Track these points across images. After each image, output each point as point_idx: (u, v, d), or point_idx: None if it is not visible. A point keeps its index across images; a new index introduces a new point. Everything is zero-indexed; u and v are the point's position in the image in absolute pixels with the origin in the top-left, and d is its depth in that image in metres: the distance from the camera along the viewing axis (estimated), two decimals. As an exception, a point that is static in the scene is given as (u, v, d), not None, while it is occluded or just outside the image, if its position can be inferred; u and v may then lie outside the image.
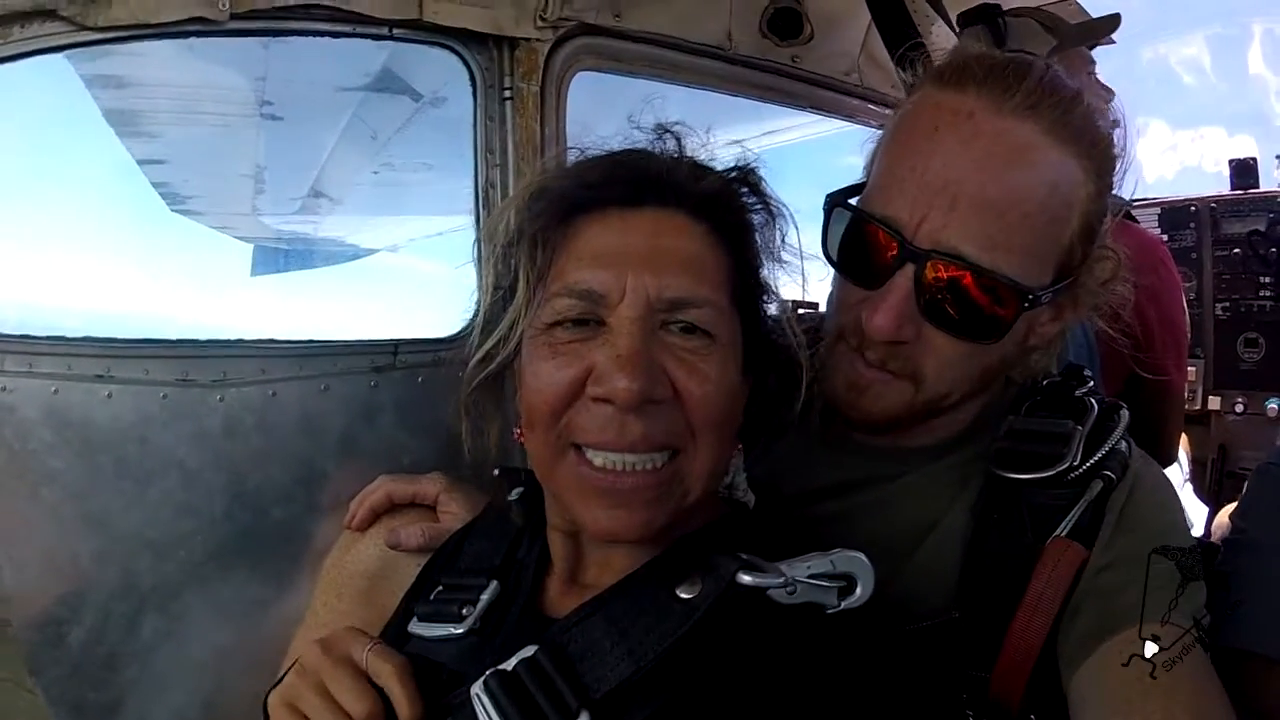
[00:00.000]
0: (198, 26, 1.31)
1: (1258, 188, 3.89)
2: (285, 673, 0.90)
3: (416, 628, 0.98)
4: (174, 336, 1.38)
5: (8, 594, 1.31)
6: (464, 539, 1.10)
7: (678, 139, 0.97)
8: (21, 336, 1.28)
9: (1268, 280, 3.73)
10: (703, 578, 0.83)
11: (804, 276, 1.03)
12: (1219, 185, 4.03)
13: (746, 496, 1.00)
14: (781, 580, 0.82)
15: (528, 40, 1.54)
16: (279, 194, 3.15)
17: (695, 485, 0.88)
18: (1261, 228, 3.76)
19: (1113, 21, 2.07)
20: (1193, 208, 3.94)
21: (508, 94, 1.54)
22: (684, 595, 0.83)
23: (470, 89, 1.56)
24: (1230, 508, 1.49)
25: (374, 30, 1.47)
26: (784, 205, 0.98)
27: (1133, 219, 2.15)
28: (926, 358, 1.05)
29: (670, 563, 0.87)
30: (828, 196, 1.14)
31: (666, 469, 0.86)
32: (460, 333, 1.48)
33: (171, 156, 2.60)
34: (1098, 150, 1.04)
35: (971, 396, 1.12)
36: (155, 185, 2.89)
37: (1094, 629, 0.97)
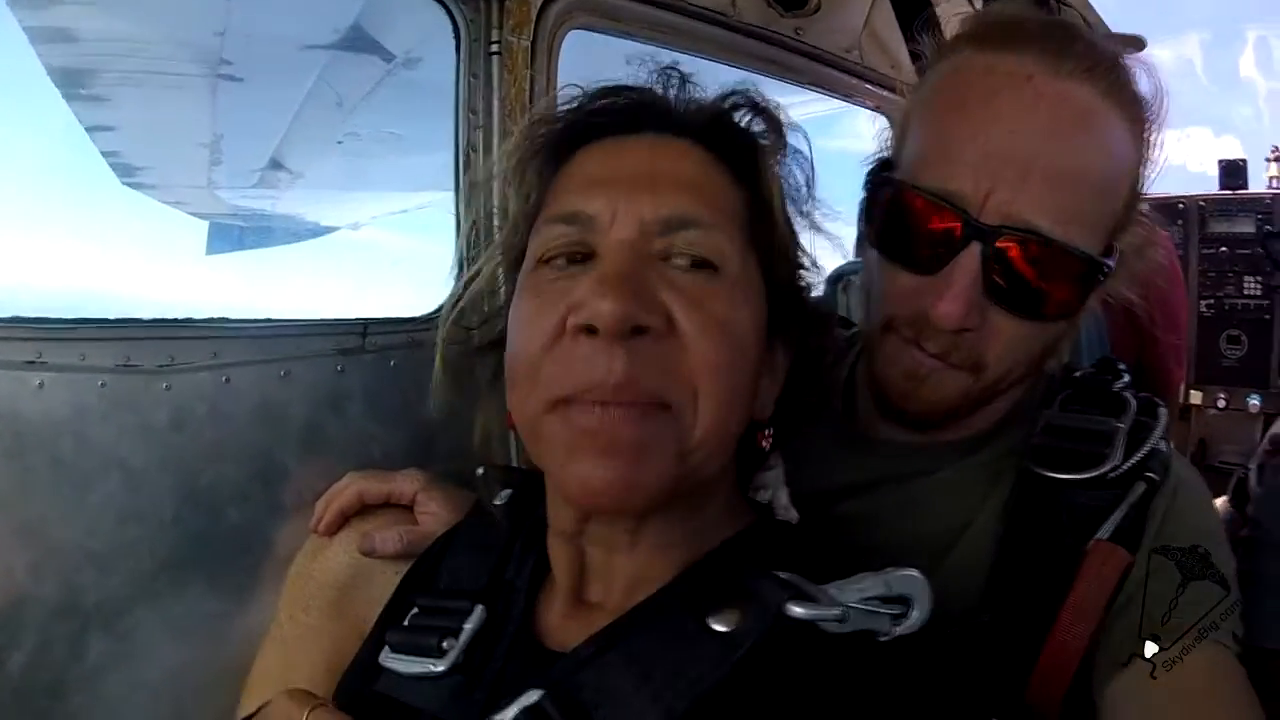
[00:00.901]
0: None
1: (1246, 189, 3.97)
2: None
3: (389, 660, 0.83)
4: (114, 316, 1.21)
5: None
6: (445, 551, 0.96)
7: (682, 77, 0.86)
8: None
9: (1252, 279, 3.82)
10: (743, 606, 0.70)
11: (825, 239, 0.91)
12: (1204, 185, 4.11)
13: (789, 514, 0.87)
14: (837, 612, 0.69)
15: (521, -10, 1.39)
16: (237, 165, 2.98)
17: (695, 450, 0.74)
18: (1250, 229, 3.83)
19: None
20: (1181, 205, 4.01)
21: (495, 48, 1.39)
22: (719, 628, 0.69)
23: (454, 43, 1.41)
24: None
25: None
26: (802, 143, 0.87)
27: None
28: (991, 344, 0.97)
29: (698, 584, 0.74)
30: (869, 173, 1.04)
31: (662, 420, 0.72)
32: (436, 311, 1.33)
33: (121, 121, 2.41)
34: (1143, 114, 1.00)
35: (1020, 382, 1.05)
36: (104, 154, 2.71)
37: (1134, 637, 0.92)
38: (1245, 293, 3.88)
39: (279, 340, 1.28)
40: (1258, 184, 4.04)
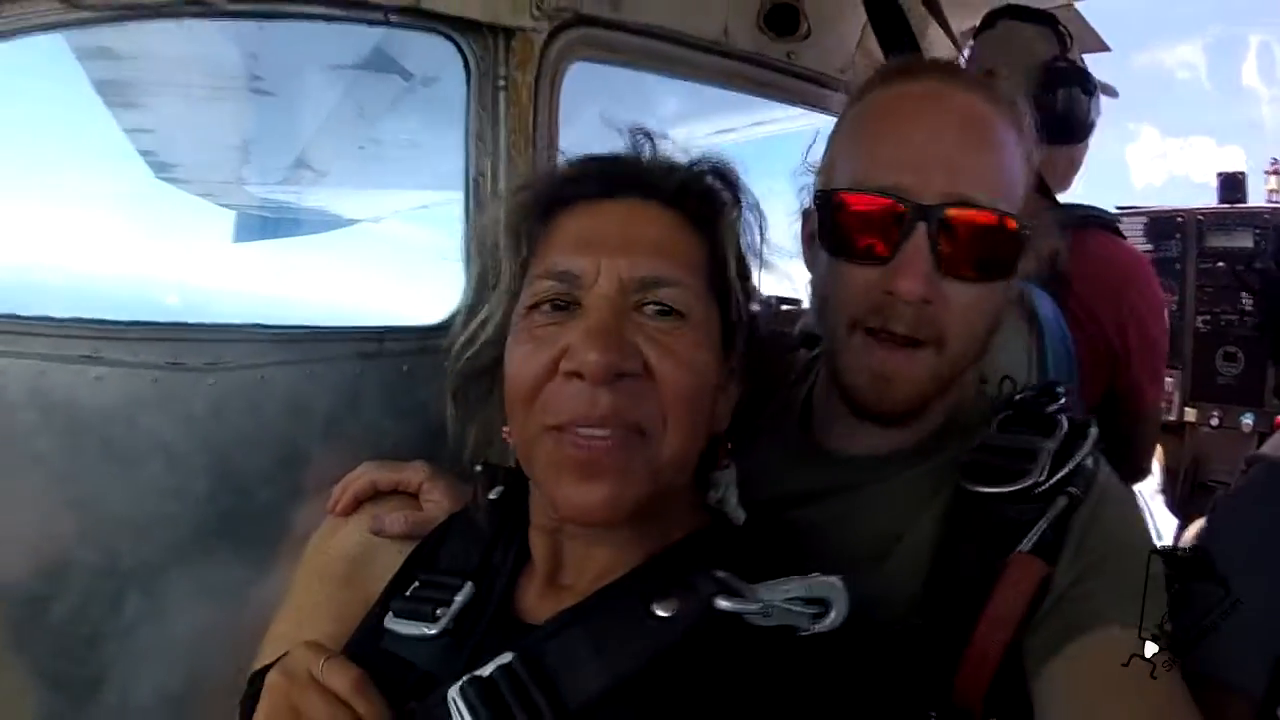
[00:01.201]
0: (193, 8, 1.31)
1: (1245, 202, 3.92)
2: (257, 675, 0.92)
3: (392, 623, 0.99)
4: (164, 319, 1.38)
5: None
6: (445, 535, 1.11)
7: (650, 139, 1.01)
8: (8, 316, 1.27)
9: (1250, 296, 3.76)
10: (681, 596, 0.85)
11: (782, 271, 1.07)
12: (1206, 196, 4.07)
13: (737, 514, 1.01)
14: (758, 606, 0.84)
15: (523, 30, 1.54)
16: (265, 164, 3.14)
17: (665, 468, 0.89)
18: (1248, 243, 3.79)
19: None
20: (1179, 219, 3.98)
21: (502, 83, 1.54)
22: (660, 613, 0.85)
23: (464, 76, 1.55)
24: (1201, 521, 1.52)
25: (369, 15, 1.46)
26: (755, 197, 1.02)
27: (1118, 233, 2.15)
28: (949, 314, 1.09)
29: (650, 576, 0.89)
30: (817, 193, 1.18)
31: (636, 448, 0.87)
32: (446, 321, 1.48)
33: (159, 126, 2.57)
34: (1019, 114, 1.16)
35: (972, 364, 1.18)
36: (142, 154, 2.87)
37: (1059, 636, 1.00)
38: (1242, 309, 3.85)
39: (307, 343, 1.44)
40: (1258, 197, 4.01)
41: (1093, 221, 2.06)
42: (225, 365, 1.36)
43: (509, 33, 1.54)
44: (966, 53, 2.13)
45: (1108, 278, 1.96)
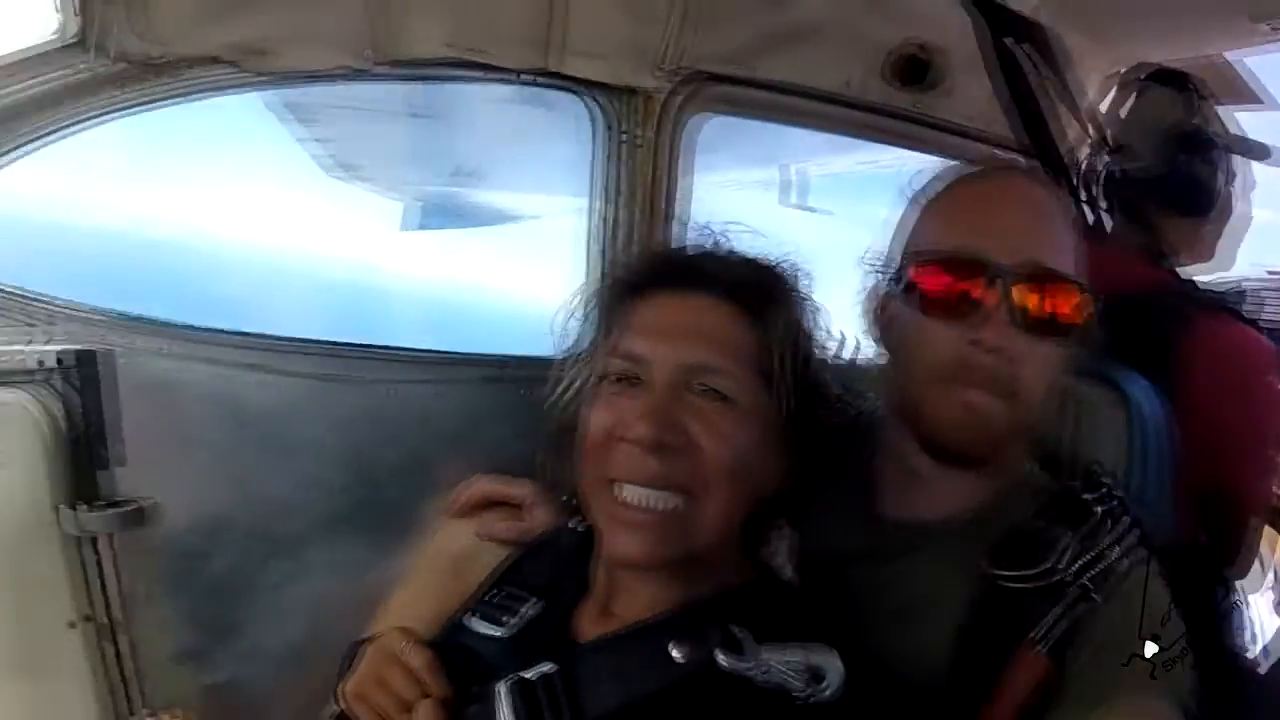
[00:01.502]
0: (347, 72, 1.53)
1: None
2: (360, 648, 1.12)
3: (470, 621, 1.18)
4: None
5: (163, 525, 1.57)
6: (535, 550, 1.28)
7: (722, 237, 1.15)
8: (186, 327, 1.54)
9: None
10: (693, 644, 0.99)
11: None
12: None
13: (784, 571, 1.13)
14: (752, 665, 0.96)
15: (645, 89, 1.67)
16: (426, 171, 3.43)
17: (705, 529, 1.03)
18: None
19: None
20: None
21: (625, 138, 1.68)
22: (674, 655, 0.99)
23: (590, 130, 1.71)
24: None
25: (503, 77, 1.64)
26: (813, 299, 1.15)
27: (1239, 315, 1.95)
28: (1022, 368, 1.17)
29: (678, 620, 1.03)
30: (906, 255, 1.27)
31: (679, 508, 1.01)
32: (560, 358, 1.64)
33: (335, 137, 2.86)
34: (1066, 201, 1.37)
35: (1037, 422, 1.24)
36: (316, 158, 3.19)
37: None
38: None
39: (439, 365, 1.64)
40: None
41: (1220, 305, 1.91)
42: (364, 380, 1.57)
43: (632, 91, 1.67)
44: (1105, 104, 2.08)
45: (1231, 371, 1.79)
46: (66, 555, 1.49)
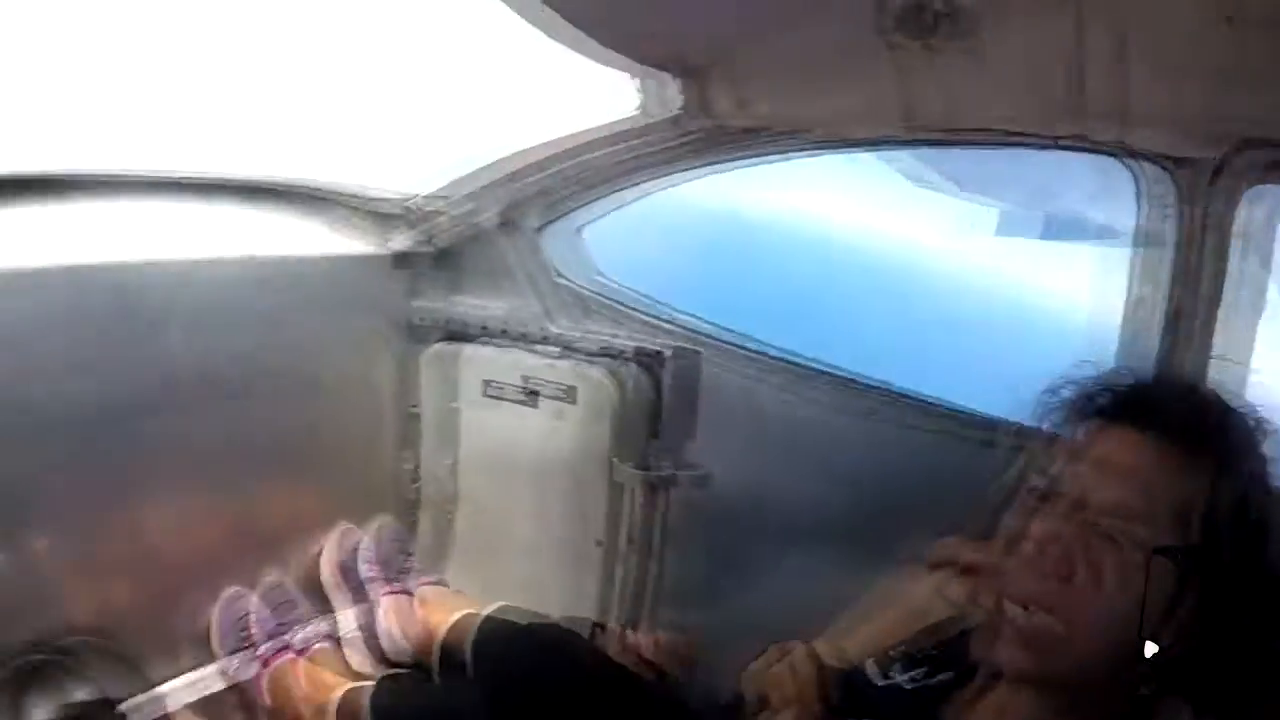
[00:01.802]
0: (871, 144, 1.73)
1: None
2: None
3: (886, 662, 1.30)
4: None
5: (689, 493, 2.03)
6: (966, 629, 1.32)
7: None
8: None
9: None
10: None
11: None
12: None
13: None
14: None
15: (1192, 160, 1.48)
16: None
17: (1067, 660, 1.00)
18: None
19: None
20: None
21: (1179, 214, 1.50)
22: None
23: (1173, 212, 1.54)
24: None
25: (1041, 143, 1.59)
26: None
27: None
28: None
29: None
30: None
31: (1044, 627, 0.99)
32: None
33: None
34: None
35: None
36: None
37: None
38: None
39: (934, 416, 1.78)
40: None
41: None
42: (903, 424, 1.82)
43: (1192, 162, 1.48)
44: None
45: None
46: (611, 495, 2.03)
